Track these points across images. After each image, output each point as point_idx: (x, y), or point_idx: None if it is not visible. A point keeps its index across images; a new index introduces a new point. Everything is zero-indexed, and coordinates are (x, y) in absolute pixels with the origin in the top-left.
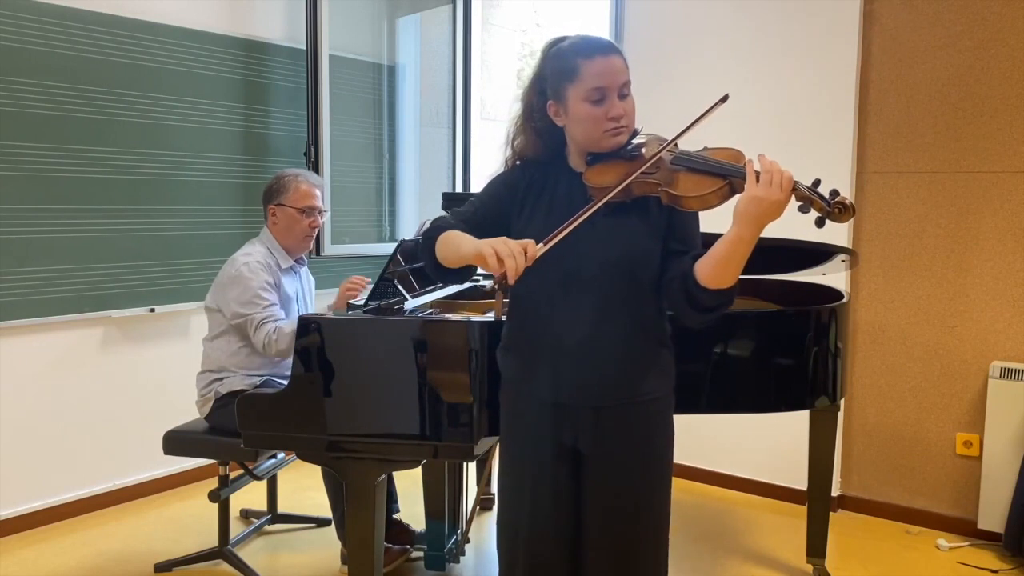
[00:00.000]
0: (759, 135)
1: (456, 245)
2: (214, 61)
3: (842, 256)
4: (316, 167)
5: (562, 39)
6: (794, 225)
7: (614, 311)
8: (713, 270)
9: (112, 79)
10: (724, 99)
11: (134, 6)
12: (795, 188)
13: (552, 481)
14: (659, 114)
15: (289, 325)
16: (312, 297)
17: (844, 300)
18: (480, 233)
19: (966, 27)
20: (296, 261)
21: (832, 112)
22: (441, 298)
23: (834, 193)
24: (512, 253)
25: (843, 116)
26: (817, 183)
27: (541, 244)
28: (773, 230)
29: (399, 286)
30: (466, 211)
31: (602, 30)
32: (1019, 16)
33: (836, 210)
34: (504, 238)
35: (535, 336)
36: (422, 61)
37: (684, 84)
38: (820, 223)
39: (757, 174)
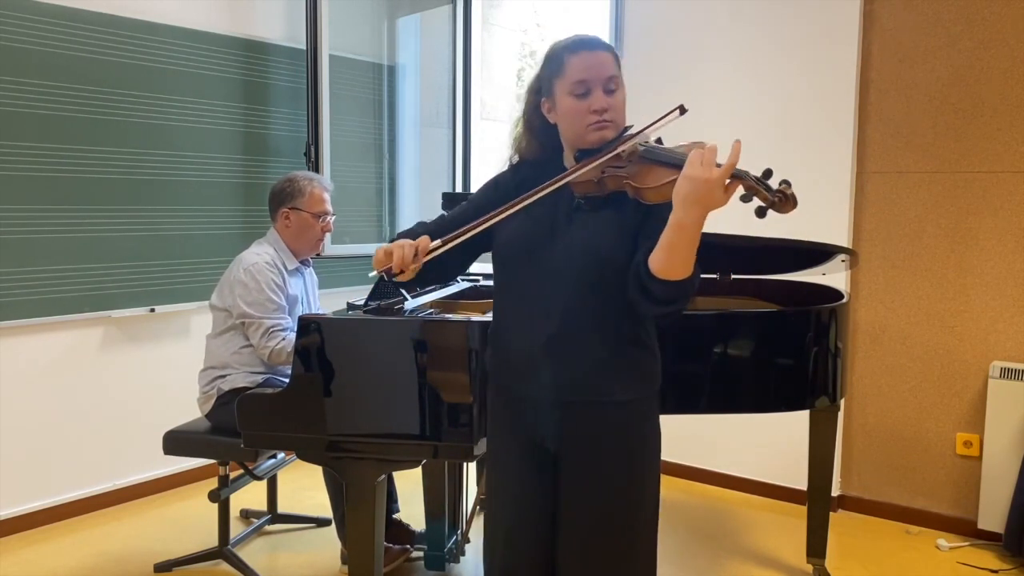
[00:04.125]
0: (759, 135)
1: None
2: (214, 61)
3: (842, 256)
4: (316, 167)
5: (560, 40)
6: (808, 224)
7: (583, 309)
8: (661, 258)
9: (112, 79)
10: (681, 110)
11: (134, 6)
12: (736, 175)
13: (527, 479)
14: (658, 115)
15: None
16: (316, 297)
17: (844, 300)
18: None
19: (966, 27)
20: (301, 263)
21: (832, 112)
22: (441, 298)
23: (784, 183)
24: (402, 246)
25: (843, 116)
26: (768, 174)
27: (438, 241)
28: (773, 229)
29: (399, 286)
30: (453, 213)
31: (602, 30)
32: (1019, 16)
33: (777, 199)
34: (402, 240)
35: (510, 331)
36: (422, 61)
37: (684, 84)
38: (761, 213)
39: (691, 156)
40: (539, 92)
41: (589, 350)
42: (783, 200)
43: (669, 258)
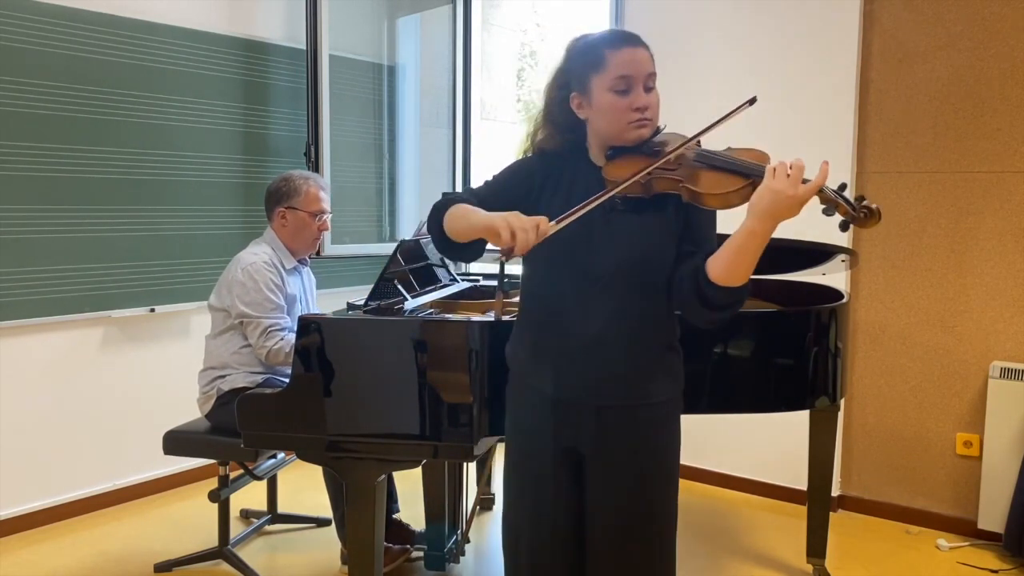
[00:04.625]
0: (759, 135)
1: (466, 217)
2: (214, 61)
3: (842, 256)
4: (316, 167)
5: (588, 35)
6: (808, 224)
7: (625, 310)
8: (724, 265)
9: (112, 79)
10: (751, 101)
11: (134, 6)
12: (820, 190)
13: (553, 481)
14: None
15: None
16: (314, 297)
17: (844, 300)
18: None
19: (966, 27)
20: (299, 262)
21: (832, 112)
22: (441, 298)
23: (859, 199)
24: (524, 227)
25: (843, 116)
26: (843, 187)
27: (554, 222)
28: (780, 228)
29: (399, 286)
30: (479, 189)
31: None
32: (1019, 16)
33: (862, 215)
34: (517, 212)
35: (544, 331)
36: (422, 61)
37: (683, 85)
38: (844, 227)
39: (776, 169)
40: (566, 87)
41: (627, 353)
42: (868, 215)
43: (733, 265)
